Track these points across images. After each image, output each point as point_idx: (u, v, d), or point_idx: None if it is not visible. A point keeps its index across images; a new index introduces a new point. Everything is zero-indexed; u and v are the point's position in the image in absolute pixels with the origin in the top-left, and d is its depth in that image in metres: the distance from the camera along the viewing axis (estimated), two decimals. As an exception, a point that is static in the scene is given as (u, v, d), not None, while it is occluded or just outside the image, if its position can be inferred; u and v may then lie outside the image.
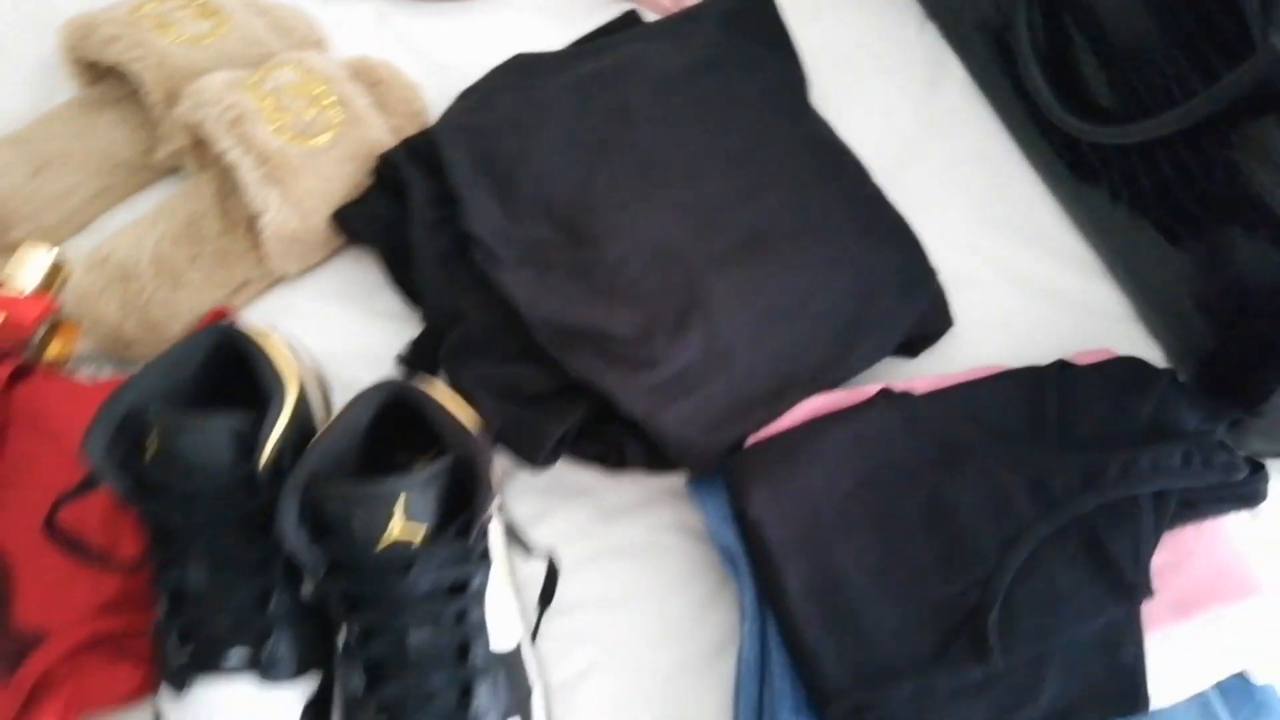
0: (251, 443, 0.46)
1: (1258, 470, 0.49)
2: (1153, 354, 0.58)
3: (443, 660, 0.46)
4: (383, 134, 0.62)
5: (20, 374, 0.55)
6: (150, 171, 0.65)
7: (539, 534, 0.55)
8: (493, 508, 0.49)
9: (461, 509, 0.47)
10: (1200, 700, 0.48)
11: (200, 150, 0.61)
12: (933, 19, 0.72)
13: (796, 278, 0.56)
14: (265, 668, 0.47)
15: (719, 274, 0.56)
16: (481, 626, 0.47)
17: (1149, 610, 0.47)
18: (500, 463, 0.55)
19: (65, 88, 0.66)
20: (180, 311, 0.59)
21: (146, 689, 0.50)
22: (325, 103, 0.60)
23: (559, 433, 0.53)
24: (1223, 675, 0.47)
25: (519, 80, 0.62)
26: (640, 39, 0.67)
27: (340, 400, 0.50)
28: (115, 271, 0.58)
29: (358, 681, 0.46)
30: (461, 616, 0.47)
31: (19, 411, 0.54)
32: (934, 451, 0.50)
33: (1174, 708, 0.47)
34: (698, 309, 0.54)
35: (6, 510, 0.53)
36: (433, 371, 0.57)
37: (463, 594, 0.47)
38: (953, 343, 0.60)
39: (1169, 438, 0.49)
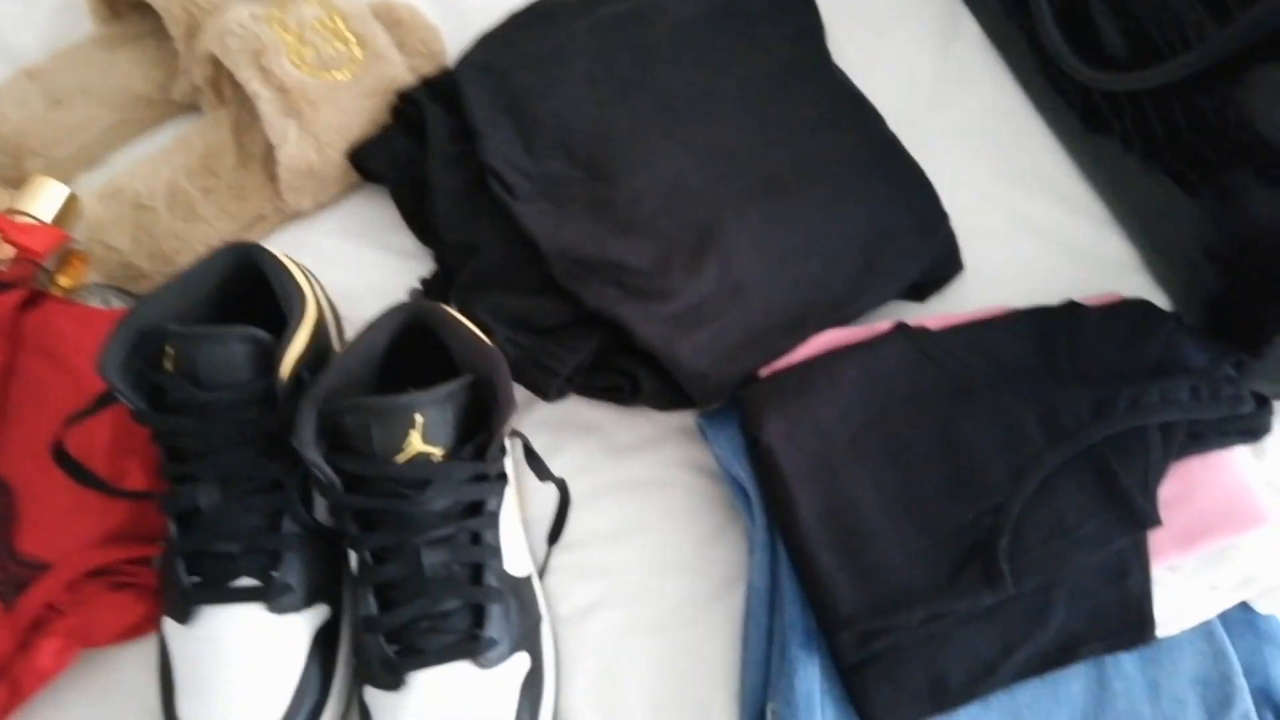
0: (269, 357, 0.46)
1: (1264, 404, 0.50)
2: (1159, 302, 0.58)
3: (456, 582, 0.46)
4: (402, 72, 0.62)
5: (31, 302, 0.55)
6: (167, 106, 0.65)
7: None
8: (509, 425, 0.49)
9: (478, 432, 0.46)
10: (1205, 630, 0.48)
11: (218, 85, 0.61)
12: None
13: (811, 218, 0.57)
14: (273, 596, 0.46)
15: (735, 212, 0.56)
16: (496, 550, 0.47)
17: (1155, 541, 0.47)
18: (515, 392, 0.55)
19: (85, 24, 0.66)
20: (193, 244, 0.59)
21: (150, 624, 0.49)
22: (347, 38, 0.60)
23: (572, 363, 0.53)
24: (1227, 606, 0.48)
25: (540, 23, 0.62)
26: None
27: (352, 336, 0.50)
28: (129, 203, 0.58)
29: (369, 606, 0.46)
30: (477, 538, 0.47)
31: (29, 339, 0.54)
32: (947, 384, 0.51)
33: (1179, 637, 0.48)
34: (713, 244, 0.55)
35: (15, 438, 0.52)
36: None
37: (478, 514, 0.47)
38: (963, 290, 0.60)
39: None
